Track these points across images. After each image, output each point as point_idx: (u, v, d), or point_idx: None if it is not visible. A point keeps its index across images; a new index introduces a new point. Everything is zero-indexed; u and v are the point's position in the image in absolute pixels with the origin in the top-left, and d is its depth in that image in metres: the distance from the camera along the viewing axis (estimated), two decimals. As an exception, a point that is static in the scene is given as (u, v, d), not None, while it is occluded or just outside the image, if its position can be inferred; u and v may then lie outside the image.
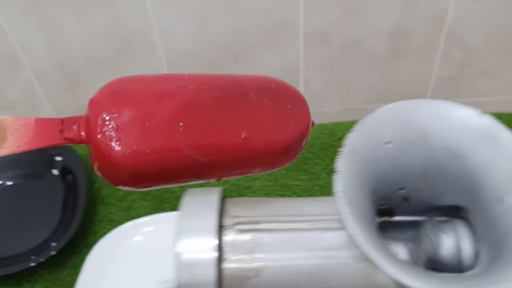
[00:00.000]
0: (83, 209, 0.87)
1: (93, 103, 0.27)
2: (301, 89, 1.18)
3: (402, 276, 0.40)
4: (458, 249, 0.53)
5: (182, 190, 0.81)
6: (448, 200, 0.56)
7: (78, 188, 0.89)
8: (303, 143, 0.34)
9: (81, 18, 1.00)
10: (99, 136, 0.25)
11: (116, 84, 0.28)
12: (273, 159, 0.29)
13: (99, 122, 0.25)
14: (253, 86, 0.30)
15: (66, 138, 0.25)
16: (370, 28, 1.05)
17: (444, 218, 0.60)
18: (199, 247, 0.50)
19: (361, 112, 0.53)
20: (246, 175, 0.28)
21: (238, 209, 0.55)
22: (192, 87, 0.28)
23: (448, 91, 1.21)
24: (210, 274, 0.49)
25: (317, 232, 0.52)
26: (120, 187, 0.26)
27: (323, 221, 0.52)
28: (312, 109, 0.48)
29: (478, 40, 1.09)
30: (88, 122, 0.25)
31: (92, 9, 0.98)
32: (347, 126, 0.70)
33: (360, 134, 0.51)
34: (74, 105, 1.13)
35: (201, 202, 0.55)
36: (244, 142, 0.28)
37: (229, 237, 0.52)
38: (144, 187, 0.26)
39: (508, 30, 1.08)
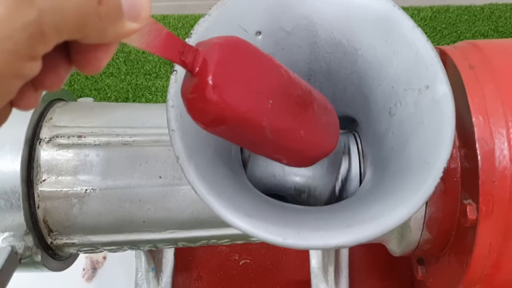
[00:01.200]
0: None
1: (216, 48, 0.28)
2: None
3: (225, 214, 0.29)
4: (345, 168, 0.43)
5: (70, 89, 0.67)
6: (338, 109, 0.45)
7: None
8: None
9: None
10: (209, 79, 0.27)
11: (237, 41, 0.30)
12: (302, 161, 0.35)
13: (215, 69, 0.27)
14: (317, 100, 0.35)
15: (182, 61, 0.27)
16: None
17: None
18: (2, 164, 0.38)
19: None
20: (278, 160, 0.34)
21: (66, 117, 0.42)
22: (285, 77, 0.32)
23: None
24: (16, 200, 0.38)
25: (157, 149, 0.40)
26: (195, 120, 0.28)
27: (165, 135, 0.40)
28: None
29: None
30: (205, 61, 0.27)
31: None
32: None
33: (216, 19, 0.38)
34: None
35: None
36: (300, 139, 0.32)
37: (47, 153, 0.40)
38: (213, 132, 0.29)
39: None
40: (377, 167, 0.38)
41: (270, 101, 0.30)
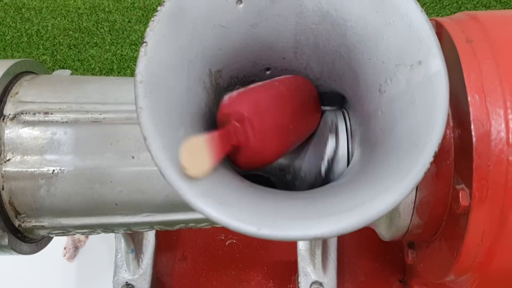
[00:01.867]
0: None
1: (248, 122, 0.32)
2: None
3: (191, 198, 0.27)
4: (332, 147, 0.41)
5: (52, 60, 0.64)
6: (327, 85, 0.42)
7: None
8: None
9: None
10: (252, 141, 0.32)
11: (258, 100, 0.34)
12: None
13: (254, 139, 0.32)
14: (305, 90, 0.39)
15: (233, 147, 0.31)
16: None
17: (325, 108, 0.47)
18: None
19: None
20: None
21: (33, 92, 0.39)
22: (296, 98, 0.37)
23: None
24: (-22, 181, 0.36)
25: (129, 127, 0.37)
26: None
27: (137, 112, 0.37)
28: None
29: None
30: (238, 130, 0.32)
31: None
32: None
33: (192, -15, 0.34)
34: None
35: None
36: (302, 135, 0.39)
37: (11, 130, 0.37)
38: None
39: None
40: (365, 149, 0.36)
41: (291, 127, 0.36)
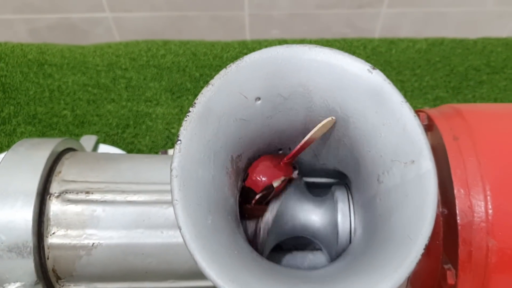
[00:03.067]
0: None
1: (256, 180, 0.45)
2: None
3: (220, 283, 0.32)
4: (335, 219, 0.46)
5: (73, 114, 0.69)
6: (331, 164, 0.48)
7: None
8: None
9: None
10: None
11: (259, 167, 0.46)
12: None
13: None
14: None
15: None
16: None
17: (330, 180, 0.53)
18: (14, 218, 0.41)
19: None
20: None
21: (74, 171, 0.45)
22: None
23: None
24: (27, 254, 0.41)
25: (159, 207, 0.43)
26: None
27: (167, 192, 0.43)
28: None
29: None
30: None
31: None
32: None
33: (218, 89, 0.40)
34: None
35: (28, 158, 0.44)
36: None
37: (56, 207, 0.43)
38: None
39: None
40: (365, 230, 0.41)
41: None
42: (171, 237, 0.43)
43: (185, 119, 0.39)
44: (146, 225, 0.42)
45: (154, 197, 0.43)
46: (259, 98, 0.42)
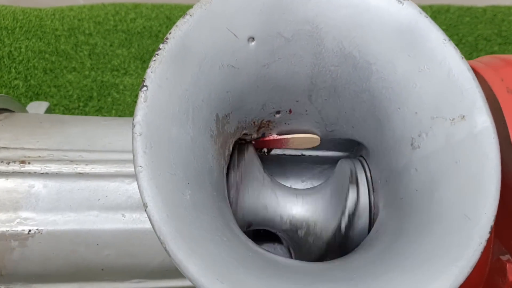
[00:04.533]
0: None
1: None
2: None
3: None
4: (353, 200, 0.36)
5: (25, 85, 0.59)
6: (343, 131, 0.38)
7: None
8: None
9: None
10: None
11: None
12: None
13: None
14: None
15: None
16: None
17: (339, 154, 0.43)
18: None
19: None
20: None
21: (7, 135, 0.34)
22: None
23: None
24: None
25: (120, 181, 0.32)
26: None
27: (130, 162, 0.33)
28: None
29: None
30: None
31: None
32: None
33: (198, 21, 0.30)
34: None
35: None
36: None
37: (-21, 183, 0.31)
38: None
39: None
40: (395, 210, 0.31)
41: None
42: (136, 221, 0.32)
43: (154, 58, 0.28)
44: (102, 206, 0.32)
45: (112, 169, 0.32)
46: (252, 38, 0.32)
